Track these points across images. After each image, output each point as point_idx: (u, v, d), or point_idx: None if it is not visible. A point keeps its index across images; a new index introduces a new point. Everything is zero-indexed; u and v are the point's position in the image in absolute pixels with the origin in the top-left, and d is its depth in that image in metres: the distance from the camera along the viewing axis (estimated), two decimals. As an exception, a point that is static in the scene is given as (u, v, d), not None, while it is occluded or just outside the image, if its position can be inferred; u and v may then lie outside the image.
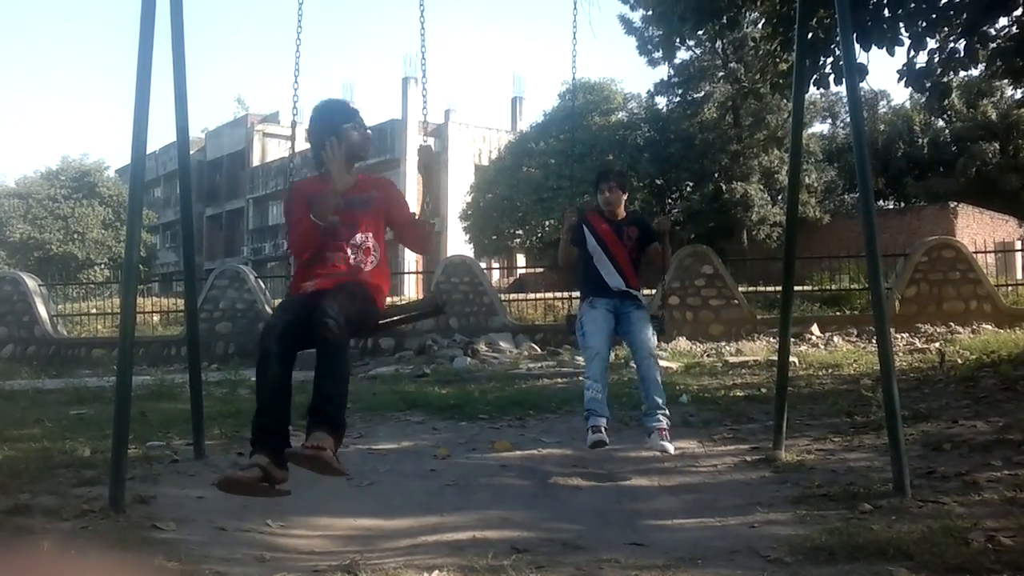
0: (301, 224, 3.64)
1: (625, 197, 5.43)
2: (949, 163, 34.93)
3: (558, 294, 16.04)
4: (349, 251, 3.66)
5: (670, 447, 4.83)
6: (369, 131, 3.99)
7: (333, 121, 3.80)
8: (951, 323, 12.56)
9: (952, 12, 8.36)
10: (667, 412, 4.96)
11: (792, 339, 7.45)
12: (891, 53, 8.27)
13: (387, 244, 3.92)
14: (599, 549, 3.28)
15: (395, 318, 4.02)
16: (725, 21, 10.23)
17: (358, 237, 3.69)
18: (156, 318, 16.81)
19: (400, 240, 3.94)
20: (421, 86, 4.09)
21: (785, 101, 20.99)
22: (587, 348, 5.03)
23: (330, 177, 3.68)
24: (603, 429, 4.77)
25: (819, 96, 32.61)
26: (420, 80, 4.10)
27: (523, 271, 30.82)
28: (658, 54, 27.90)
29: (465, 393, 8.16)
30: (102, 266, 37.03)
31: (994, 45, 8.69)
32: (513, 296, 17.50)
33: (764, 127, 28.87)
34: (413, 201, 4.07)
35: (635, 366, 5.14)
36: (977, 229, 28.72)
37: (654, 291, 10.20)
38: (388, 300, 4.07)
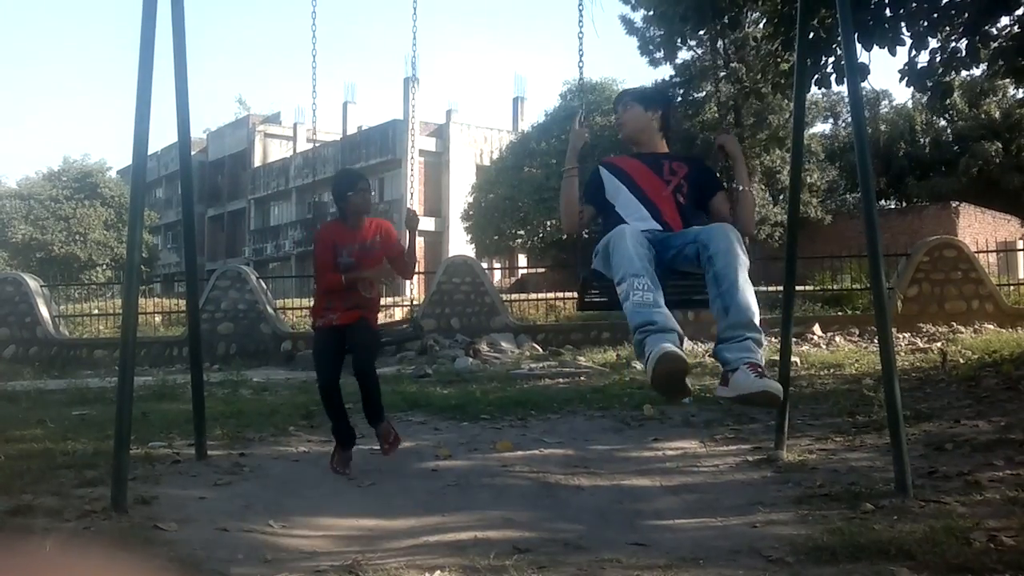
0: (327, 271, 5.02)
1: (656, 118, 3.74)
2: (951, 163, 34.91)
3: (560, 294, 16.04)
4: (361, 286, 5.00)
5: (778, 387, 2.89)
6: (373, 193, 5.52)
7: (339, 189, 5.14)
8: (953, 323, 12.55)
9: (954, 11, 8.35)
10: (761, 339, 2.99)
11: (794, 339, 7.45)
12: (892, 53, 8.26)
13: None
14: (601, 549, 3.28)
15: (385, 341, 5.57)
16: (726, 21, 10.24)
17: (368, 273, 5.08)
18: (158, 319, 16.82)
19: (392, 265, 5.25)
20: (411, 127, 4.11)
21: (787, 101, 20.98)
22: (608, 240, 3.19)
23: (345, 225, 5.14)
24: (676, 344, 2.84)
25: (821, 96, 32.59)
26: (411, 119, 4.13)
27: (524, 271, 30.84)
28: (659, 54, 27.93)
29: (467, 393, 8.16)
30: (104, 267, 37.07)
31: (996, 44, 8.68)
32: (515, 296, 17.51)
33: (766, 127, 28.85)
34: (413, 200, 5.24)
35: (707, 264, 3.13)
36: (979, 229, 28.70)
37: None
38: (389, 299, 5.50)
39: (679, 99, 31.27)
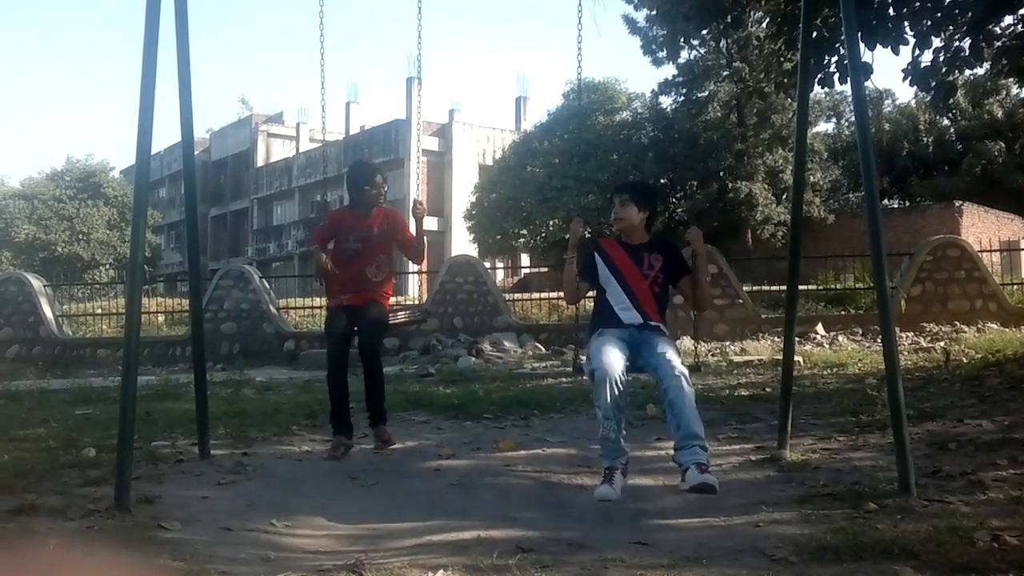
0: (335, 247, 5.46)
1: (644, 216, 4.45)
2: (954, 162, 34.89)
3: (562, 293, 16.02)
4: (369, 271, 5.36)
5: (714, 481, 3.77)
6: (385, 188, 5.59)
7: (354, 180, 5.45)
8: (956, 322, 12.54)
9: (957, 10, 8.34)
10: (705, 444, 3.94)
11: (797, 338, 7.44)
12: (896, 52, 8.25)
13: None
14: (604, 548, 3.28)
15: (394, 323, 5.76)
16: (729, 20, 10.22)
17: (377, 258, 5.43)
18: (161, 318, 16.84)
19: (402, 252, 5.61)
20: (417, 125, 4.13)
21: (790, 100, 20.97)
22: (594, 371, 4.01)
23: (354, 212, 5.50)
24: (615, 479, 3.99)
25: (824, 95, 32.54)
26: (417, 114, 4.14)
27: (527, 271, 30.85)
28: (662, 53, 27.95)
29: (469, 393, 8.16)
30: (107, 266, 37.10)
31: (999, 43, 8.66)
32: (517, 295, 17.50)
33: (769, 126, 28.84)
34: (411, 199, 5.68)
35: (663, 392, 4.06)
36: (982, 228, 28.68)
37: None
38: (392, 300, 5.88)
39: (682, 98, 31.28)
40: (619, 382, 3.97)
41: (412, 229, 5.55)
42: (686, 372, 4.04)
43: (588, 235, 4.51)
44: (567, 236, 4.60)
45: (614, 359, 4.02)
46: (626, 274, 4.34)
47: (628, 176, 27.90)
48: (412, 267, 22.96)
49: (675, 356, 4.10)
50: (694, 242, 4.42)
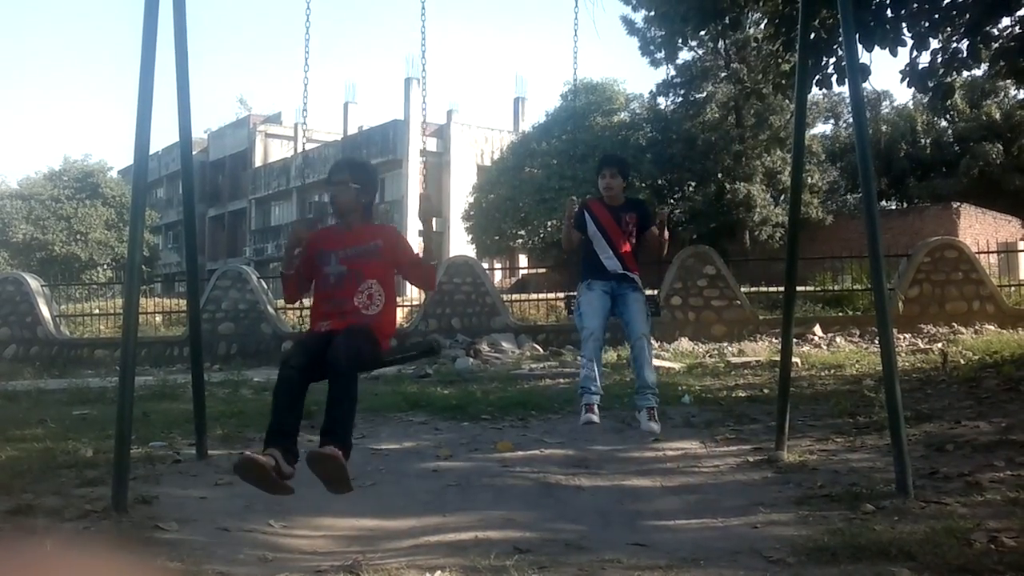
0: (316, 275, 4.17)
1: (624, 184, 5.41)
2: (952, 163, 34.90)
3: (560, 294, 16.01)
4: (355, 299, 4.01)
5: (656, 427, 4.91)
6: (377, 178, 4.41)
7: (329, 178, 4.24)
8: (954, 324, 12.55)
9: (955, 12, 8.35)
10: (656, 392, 5.01)
11: (794, 340, 7.44)
12: (894, 53, 8.26)
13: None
14: (601, 549, 3.28)
15: (396, 357, 4.51)
16: (727, 21, 10.23)
17: (364, 284, 4.03)
18: (158, 319, 16.82)
19: (406, 279, 4.30)
20: (422, 122, 4.12)
21: (788, 101, 21.01)
22: (583, 328, 5.08)
23: (339, 229, 4.22)
24: (596, 408, 4.90)
25: (822, 96, 32.55)
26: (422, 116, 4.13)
27: (525, 271, 30.81)
28: (660, 55, 27.91)
29: (467, 393, 8.16)
30: (105, 267, 37.07)
31: (997, 45, 8.68)
32: (515, 296, 17.50)
33: (767, 127, 28.83)
34: (412, 198, 4.48)
35: (629, 346, 5.20)
36: (980, 229, 28.69)
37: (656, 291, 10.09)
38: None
39: (680, 99, 31.30)
40: (599, 338, 5.05)
41: (418, 246, 4.49)
42: (648, 332, 5.11)
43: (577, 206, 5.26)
44: (565, 215, 5.34)
45: (599, 318, 5.05)
46: (609, 230, 5.24)
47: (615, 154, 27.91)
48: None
49: (642, 317, 5.09)
50: (662, 217, 5.39)
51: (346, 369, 3.70)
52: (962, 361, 8.92)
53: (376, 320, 4.02)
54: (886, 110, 39.19)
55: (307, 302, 4.69)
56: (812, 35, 7.46)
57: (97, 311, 17.22)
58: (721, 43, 28.39)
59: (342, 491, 3.49)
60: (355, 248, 4.10)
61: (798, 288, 6.75)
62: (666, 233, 5.37)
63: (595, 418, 4.87)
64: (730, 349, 11.73)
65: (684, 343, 12.22)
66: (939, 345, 10.80)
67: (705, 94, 30.53)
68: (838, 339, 12.23)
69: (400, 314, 16.95)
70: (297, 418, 3.78)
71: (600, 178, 5.37)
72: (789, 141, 24.88)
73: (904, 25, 8.29)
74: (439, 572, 2.97)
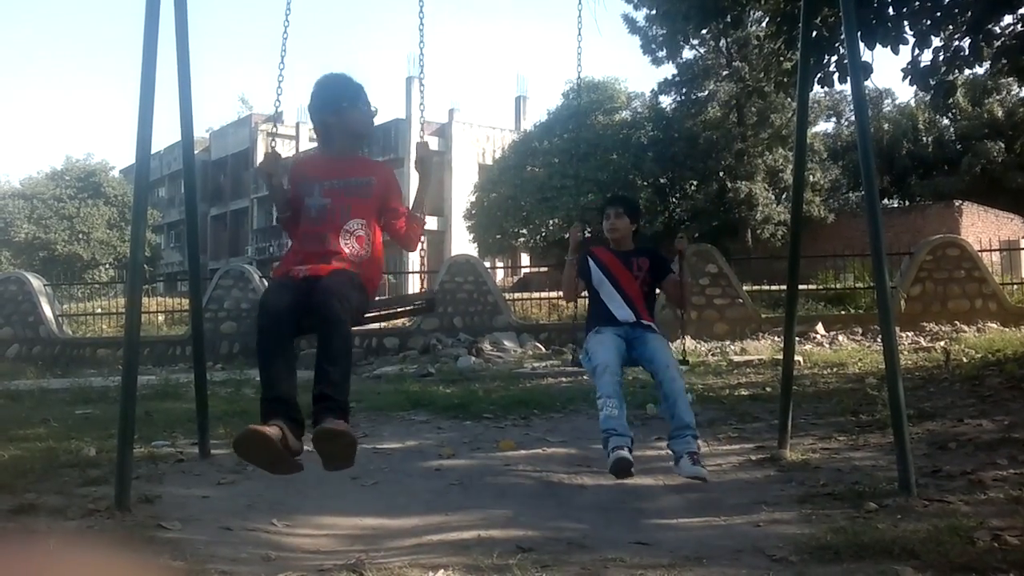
0: (298, 206, 3.65)
1: (633, 228, 4.86)
2: (954, 161, 34.89)
3: (562, 293, 16.03)
4: (341, 239, 3.48)
5: (705, 472, 4.09)
6: (374, 108, 3.79)
7: (333, 99, 3.66)
8: (956, 322, 12.54)
9: (957, 10, 8.34)
10: (697, 433, 4.23)
11: (797, 338, 7.43)
12: (895, 51, 8.24)
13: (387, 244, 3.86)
14: (604, 548, 3.28)
15: (388, 311, 3.95)
16: (729, 20, 10.22)
17: (351, 223, 3.54)
18: (161, 318, 16.84)
19: (387, 230, 3.75)
20: (419, 84, 4.09)
21: (789, 100, 20.98)
22: (595, 366, 4.34)
23: (325, 156, 3.70)
24: (627, 449, 4.00)
25: (823, 95, 32.59)
26: (419, 79, 4.11)
27: (527, 270, 30.83)
28: (662, 53, 27.96)
29: (469, 392, 8.16)
30: (107, 266, 37.14)
31: (999, 43, 8.67)
32: (517, 295, 17.50)
33: (768, 126, 28.85)
34: (414, 195, 3.86)
35: (657, 384, 4.39)
36: (982, 227, 28.69)
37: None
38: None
39: (682, 98, 31.29)
40: (616, 372, 4.28)
41: (411, 197, 3.87)
42: (677, 364, 4.40)
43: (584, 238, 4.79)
44: (567, 236, 4.91)
45: (612, 354, 4.35)
46: (618, 276, 4.71)
47: (626, 177, 27.88)
48: (412, 266, 23.02)
49: (667, 350, 4.47)
50: (679, 245, 4.84)
51: (339, 315, 3.16)
52: (964, 359, 8.92)
53: (362, 266, 3.52)
54: (888, 108, 39.19)
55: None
56: (814, 33, 7.45)
57: (99, 310, 17.25)
58: (723, 41, 28.41)
59: (343, 468, 3.13)
60: (343, 180, 3.60)
61: (800, 286, 6.75)
62: (688, 275, 4.83)
63: (629, 457, 3.95)
64: (732, 348, 11.73)
65: (686, 342, 12.19)
66: (941, 343, 10.79)
67: (707, 92, 30.56)
68: (840, 337, 12.22)
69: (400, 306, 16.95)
70: (292, 379, 3.19)
71: (604, 219, 4.85)
72: (791, 139, 24.90)
73: (906, 23, 8.27)
74: (442, 571, 2.97)
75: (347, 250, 3.46)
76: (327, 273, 3.34)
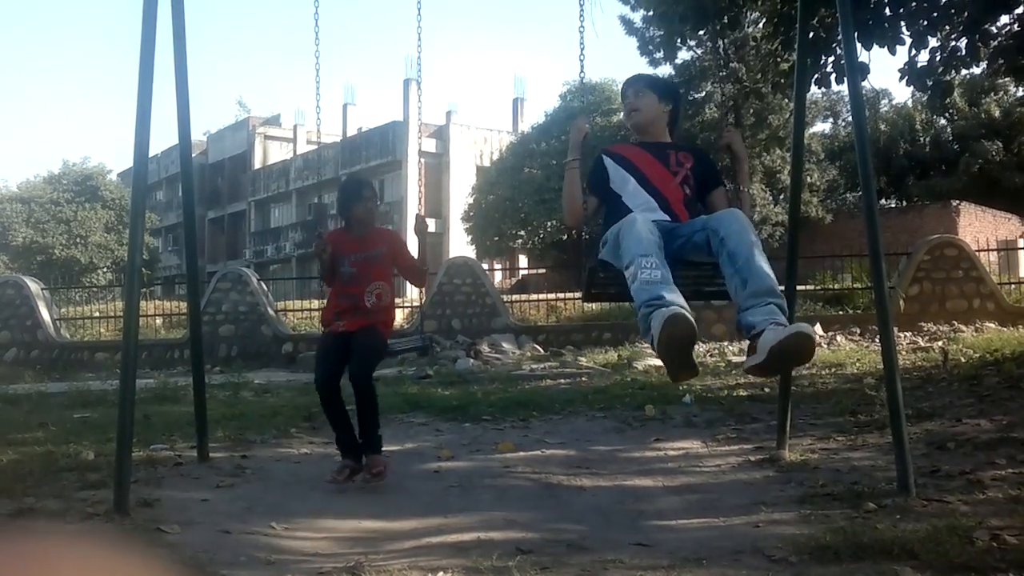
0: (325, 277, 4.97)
1: (669, 110, 3.71)
2: (951, 162, 34.93)
3: (560, 295, 16.04)
4: (366, 297, 4.82)
5: (804, 327, 2.88)
6: (378, 201, 5.24)
7: (343, 199, 4.99)
8: (954, 321, 12.56)
9: (953, 10, 8.35)
10: (783, 303, 3.04)
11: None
12: (892, 52, 8.26)
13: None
14: (603, 550, 3.28)
15: (397, 349, 5.44)
16: (726, 21, 10.24)
17: (372, 285, 4.85)
18: (159, 321, 16.83)
19: (401, 274, 5.11)
20: (417, 87, 4.13)
21: (787, 100, 21.01)
22: (626, 251, 3.06)
23: (350, 234, 4.96)
24: (683, 307, 2.85)
25: (821, 95, 32.62)
26: (417, 82, 4.15)
27: (525, 272, 30.83)
28: (659, 54, 27.94)
29: (468, 394, 8.16)
30: (105, 270, 37.12)
31: (996, 43, 8.68)
32: (515, 297, 17.52)
33: (766, 127, 28.89)
34: (412, 199, 4.80)
35: (719, 243, 3.13)
36: (980, 227, 28.73)
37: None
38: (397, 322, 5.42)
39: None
40: (653, 229, 3.09)
41: (414, 250, 5.04)
42: (749, 219, 3.22)
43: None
44: (571, 134, 3.88)
45: (651, 237, 3.07)
46: (648, 171, 3.53)
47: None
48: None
49: (726, 206, 3.30)
50: (734, 143, 3.71)
51: (365, 384, 4.67)
52: (963, 359, 8.92)
53: (381, 315, 4.90)
54: (885, 109, 39.23)
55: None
56: (811, 34, 7.47)
57: (97, 314, 17.22)
58: (720, 43, 28.38)
59: (381, 479, 4.66)
60: (364, 254, 4.86)
61: (798, 287, 6.75)
62: (747, 182, 3.68)
63: (686, 312, 2.81)
64: (731, 348, 11.73)
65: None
66: (940, 343, 10.81)
67: (704, 93, 30.58)
68: (839, 338, 12.23)
69: (400, 315, 16.95)
70: (349, 426, 4.78)
71: (624, 106, 3.82)
72: (788, 140, 24.91)
73: (903, 23, 8.29)
74: (441, 573, 2.97)
75: (368, 304, 4.80)
76: (357, 329, 4.75)
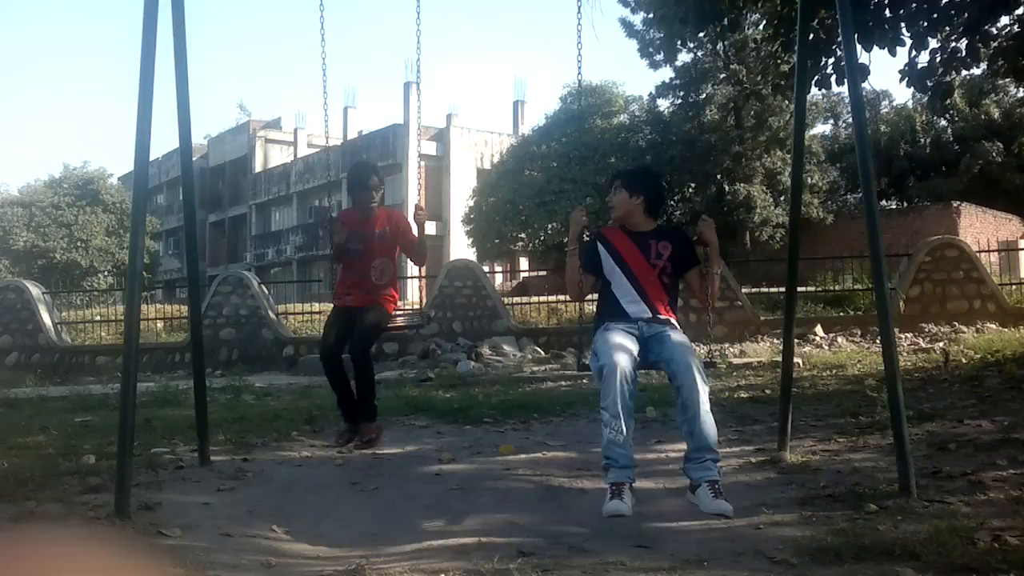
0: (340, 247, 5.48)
1: (642, 201, 4.18)
2: (952, 163, 34.92)
3: (561, 297, 16.02)
4: (372, 273, 5.44)
5: (729, 508, 3.50)
6: (382, 186, 5.67)
7: (362, 179, 5.51)
8: (955, 323, 12.55)
9: (953, 11, 8.35)
10: (719, 457, 3.71)
11: (796, 340, 7.43)
12: (893, 53, 8.26)
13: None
14: (605, 552, 3.28)
15: (395, 329, 5.95)
16: (726, 23, 10.23)
17: (378, 261, 5.48)
18: (160, 325, 16.83)
19: (404, 251, 5.65)
20: (417, 90, 4.16)
21: (787, 102, 20.98)
22: (602, 366, 3.71)
23: (356, 213, 5.56)
24: (625, 492, 3.56)
25: (821, 97, 32.63)
26: (416, 84, 4.18)
27: (526, 274, 30.86)
28: (659, 56, 28.00)
29: (469, 397, 8.16)
30: (106, 273, 37.11)
31: (996, 44, 8.69)
32: (516, 299, 17.51)
33: (766, 128, 28.86)
34: (412, 202, 5.83)
35: (676, 390, 3.77)
36: (980, 228, 28.72)
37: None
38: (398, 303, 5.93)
39: (679, 101, 31.30)
40: (629, 378, 3.64)
41: (414, 232, 5.60)
42: (702, 368, 3.73)
43: (587, 237, 4.23)
44: (569, 234, 4.31)
45: (624, 352, 3.72)
46: (632, 265, 4.07)
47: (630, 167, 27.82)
48: (412, 271, 23.08)
49: (689, 351, 3.81)
50: (706, 233, 4.20)
51: (363, 359, 5.35)
52: (964, 360, 8.92)
53: (386, 291, 5.52)
54: (885, 110, 39.25)
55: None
56: (811, 35, 7.46)
57: (98, 318, 17.23)
58: (720, 44, 28.42)
59: (373, 446, 5.45)
60: (370, 232, 5.43)
61: (799, 288, 6.75)
62: (717, 267, 4.25)
63: (625, 509, 3.51)
64: (731, 350, 11.73)
65: (712, 344, 12.22)
66: (940, 344, 10.80)
67: (704, 95, 30.58)
68: (840, 339, 12.22)
69: (400, 320, 16.96)
70: (350, 392, 5.45)
71: (611, 195, 4.27)
72: (789, 142, 24.86)
73: (903, 25, 8.29)
74: (442, 575, 2.97)
75: (374, 279, 5.46)
76: (365, 305, 5.40)
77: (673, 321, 4.08)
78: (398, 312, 6.06)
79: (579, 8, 4.95)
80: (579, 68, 4.84)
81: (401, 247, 5.61)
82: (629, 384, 3.64)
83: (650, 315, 4.02)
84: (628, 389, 3.63)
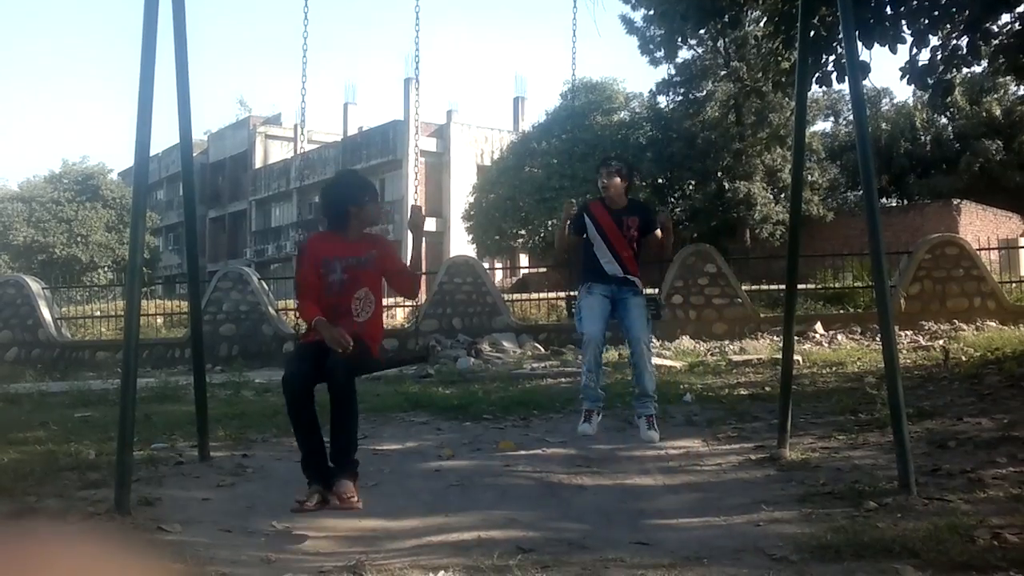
0: (306, 297, 4.21)
1: (625, 185, 5.46)
2: (952, 160, 34.87)
3: (561, 294, 16.00)
4: (353, 304, 4.19)
5: (655, 435, 5.19)
6: (380, 206, 4.60)
7: (358, 194, 4.30)
8: (955, 320, 12.55)
9: (954, 9, 8.35)
10: (655, 398, 5.35)
11: (796, 337, 7.43)
12: (893, 51, 8.25)
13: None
14: (604, 548, 3.28)
15: (389, 368, 5.54)
16: (727, 20, 10.23)
17: (360, 292, 4.23)
18: (160, 320, 16.83)
19: (391, 285, 4.47)
20: (415, 86, 4.14)
21: (787, 99, 20.98)
22: (583, 333, 5.33)
23: (339, 236, 4.28)
24: (594, 416, 5.32)
25: (821, 94, 32.53)
26: (415, 80, 4.15)
27: (526, 271, 30.80)
28: (660, 53, 27.88)
29: (469, 393, 8.16)
30: (105, 269, 37.09)
31: (997, 41, 8.68)
32: (516, 296, 17.50)
33: (767, 126, 28.80)
34: (410, 200, 4.83)
35: (630, 351, 5.39)
36: (980, 226, 28.71)
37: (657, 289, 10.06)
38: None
39: (680, 98, 31.27)
40: (600, 344, 5.31)
41: (407, 250, 4.66)
42: (648, 339, 5.37)
43: (574, 212, 5.40)
44: (563, 216, 5.52)
45: (598, 323, 5.24)
46: (610, 235, 5.33)
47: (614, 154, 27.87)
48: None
49: (642, 323, 5.28)
50: (663, 222, 5.57)
51: (346, 393, 3.94)
52: (964, 358, 8.92)
53: (367, 325, 4.22)
54: (886, 107, 39.17)
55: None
56: (812, 33, 7.46)
57: (98, 313, 17.22)
58: (721, 41, 28.35)
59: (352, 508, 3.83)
60: (356, 258, 4.23)
61: (799, 286, 6.76)
62: (670, 236, 5.57)
63: (590, 429, 5.25)
64: (731, 347, 11.73)
65: (685, 341, 12.22)
66: (940, 342, 10.80)
67: (705, 92, 30.53)
68: (839, 336, 12.23)
69: (401, 314, 16.96)
70: (319, 436, 3.98)
71: (599, 178, 5.47)
72: (789, 139, 24.86)
73: (904, 22, 8.28)
74: (442, 572, 2.97)
75: (355, 314, 4.17)
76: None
77: (637, 280, 5.41)
78: (393, 348, 5.51)
79: (575, 3, 5.11)
80: (573, 66, 5.78)
81: (389, 277, 4.40)
82: (600, 348, 5.34)
83: (622, 274, 5.33)
84: (599, 351, 5.35)
